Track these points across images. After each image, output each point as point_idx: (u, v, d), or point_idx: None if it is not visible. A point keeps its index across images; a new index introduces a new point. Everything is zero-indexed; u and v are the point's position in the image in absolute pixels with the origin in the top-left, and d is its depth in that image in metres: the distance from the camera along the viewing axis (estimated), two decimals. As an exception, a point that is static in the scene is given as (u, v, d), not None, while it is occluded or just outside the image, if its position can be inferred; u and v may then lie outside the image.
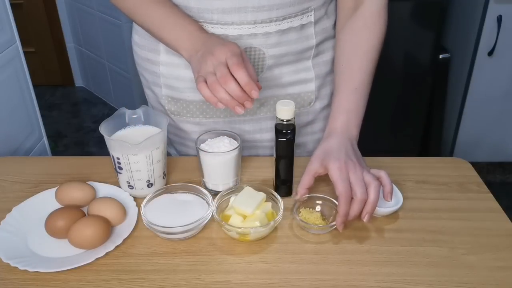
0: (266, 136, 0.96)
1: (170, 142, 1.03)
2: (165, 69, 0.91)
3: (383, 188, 0.76)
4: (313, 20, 0.88)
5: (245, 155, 0.97)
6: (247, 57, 0.76)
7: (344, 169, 0.75)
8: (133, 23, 0.95)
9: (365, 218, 0.74)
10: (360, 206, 0.73)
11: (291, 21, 0.85)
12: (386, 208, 0.78)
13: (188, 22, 0.81)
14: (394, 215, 0.79)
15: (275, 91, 0.92)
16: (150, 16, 0.83)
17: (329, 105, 0.98)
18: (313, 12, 0.87)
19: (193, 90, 0.91)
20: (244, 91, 0.71)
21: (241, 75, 0.70)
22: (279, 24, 0.84)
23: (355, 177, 0.74)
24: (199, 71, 0.75)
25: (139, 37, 0.94)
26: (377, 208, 0.77)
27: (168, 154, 1.05)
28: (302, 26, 0.87)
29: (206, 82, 0.72)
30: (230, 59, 0.71)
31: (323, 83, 0.95)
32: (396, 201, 0.79)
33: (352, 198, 0.73)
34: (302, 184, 0.78)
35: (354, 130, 0.83)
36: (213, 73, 0.72)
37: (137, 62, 0.98)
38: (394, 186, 0.82)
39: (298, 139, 0.98)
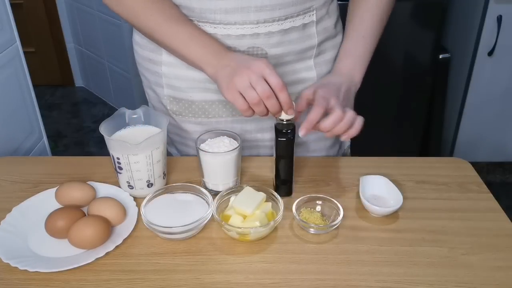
0: (267, 136, 0.96)
1: (171, 142, 1.03)
2: (167, 69, 0.91)
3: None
4: (315, 20, 0.88)
5: (246, 154, 0.97)
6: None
7: (329, 94, 0.78)
8: None
9: (330, 134, 0.76)
10: (334, 121, 0.75)
11: (293, 21, 0.85)
12: (386, 208, 0.78)
13: (212, 40, 0.81)
14: (394, 215, 0.79)
15: None
16: (171, 35, 0.82)
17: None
18: (315, 12, 0.87)
19: (195, 90, 0.91)
20: (280, 107, 0.75)
21: (284, 97, 0.74)
22: (281, 24, 0.84)
23: (335, 102, 0.77)
24: (233, 84, 0.75)
25: (140, 37, 0.94)
26: (377, 207, 0.78)
27: (169, 154, 1.05)
28: (304, 26, 0.87)
29: (240, 93, 0.74)
30: (270, 76, 0.73)
31: None
32: (396, 201, 0.79)
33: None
34: (295, 108, 0.79)
35: (357, 75, 0.87)
36: (250, 86, 0.74)
37: (138, 61, 0.98)
38: (394, 186, 0.82)
39: (299, 139, 0.98)
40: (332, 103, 0.77)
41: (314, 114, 0.76)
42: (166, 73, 0.92)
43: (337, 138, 0.80)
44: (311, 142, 1.00)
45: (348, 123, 0.75)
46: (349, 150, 1.09)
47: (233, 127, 0.94)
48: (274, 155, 0.80)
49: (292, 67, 0.91)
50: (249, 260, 0.71)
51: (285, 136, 0.78)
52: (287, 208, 0.77)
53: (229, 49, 0.83)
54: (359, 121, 0.77)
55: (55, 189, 0.81)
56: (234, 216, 0.74)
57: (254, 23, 0.83)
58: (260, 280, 0.68)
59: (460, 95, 2.15)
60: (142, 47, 0.94)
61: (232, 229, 0.72)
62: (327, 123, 0.75)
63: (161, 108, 0.98)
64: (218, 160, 0.81)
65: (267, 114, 0.76)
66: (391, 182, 0.83)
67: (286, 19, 0.84)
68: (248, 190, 0.77)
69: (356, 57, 0.88)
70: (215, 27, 0.83)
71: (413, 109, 2.24)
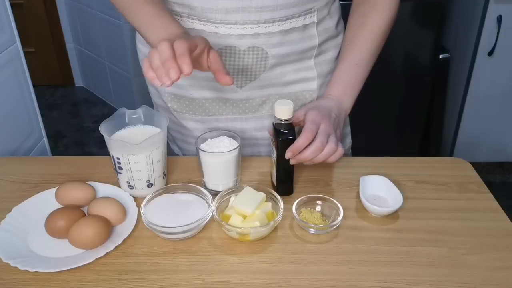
0: (267, 134, 0.97)
1: (172, 139, 1.04)
2: None
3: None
4: (315, 21, 0.88)
5: (247, 153, 0.97)
6: (214, 50, 0.73)
7: (320, 118, 0.79)
8: None
9: (309, 162, 0.77)
10: (314, 152, 0.76)
11: (294, 21, 0.85)
12: (386, 208, 0.78)
13: (173, 25, 0.78)
14: (394, 215, 0.79)
15: (276, 89, 0.92)
16: (138, 15, 0.81)
17: None
18: (316, 13, 0.87)
19: (195, 87, 0.92)
20: (176, 63, 0.65)
21: (178, 46, 0.66)
22: (282, 24, 0.84)
23: (324, 128, 0.78)
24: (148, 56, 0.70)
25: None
26: (377, 208, 0.78)
27: (171, 151, 1.05)
28: (305, 26, 0.87)
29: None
30: (177, 40, 0.67)
31: (325, 81, 0.96)
32: (396, 201, 0.79)
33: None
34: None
35: (347, 102, 0.88)
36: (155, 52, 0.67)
37: (140, 59, 0.99)
38: (394, 186, 0.82)
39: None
40: (321, 128, 0.78)
41: (302, 140, 0.76)
42: None
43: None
44: None
45: (326, 155, 0.77)
46: (350, 151, 1.09)
47: (233, 125, 0.95)
48: (274, 155, 0.80)
49: (293, 66, 0.91)
50: (249, 260, 0.71)
51: (284, 136, 0.78)
52: (287, 208, 0.77)
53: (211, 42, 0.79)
54: (339, 152, 0.79)
55: (55, 189, 0.81)
56: (234, 216, 0.74)
57: (255, 23, 0.83)
58: (260, 280, 0.68)
59: (460, 95, 2.15)
60: (144, 44, 0.95)
61: (232, 229, 0.72)
62: (306, 154, 0.76)
63: (162, 104, 0.98)
64: (218, 160, 0.81)
65: (164, 74, 0.66)
66: (391, 182, 0.83)
67: (287, 19, 0.84)
68: (248, 190, 0.77)
69: (348, 84, 0.88)
70: (216, 26, 0.83)
71: (413, 109, 2.24)
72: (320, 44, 0.91)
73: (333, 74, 0.91)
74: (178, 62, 0.65)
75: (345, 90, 0.88)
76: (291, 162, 0.78)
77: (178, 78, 0.65)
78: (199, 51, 0.71)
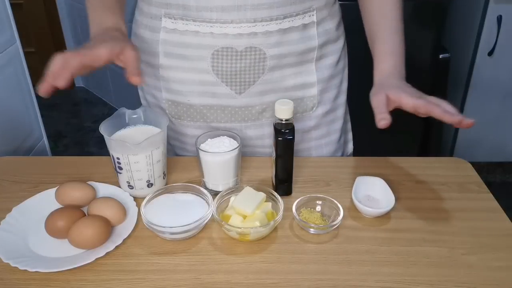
0: (268, 142, 0.96)
1: (171, 148, 1.03)
2: (164, 72, 0.91)
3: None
4: (315, 20, 0.87)
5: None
6: (134, 59, 0.77)
7: (416, 95, 0.79)
8: (133, 25, 0.95)
9: (467, 120, 0.75)
10: (448, 104, 0.76)
11: (292, 20, 0.85)
12: (377, 209, 0.78)
13: (108, 20, 0.84)
14: (394, 215, 0.79)
15: (276, 95, 0.91)
16: (88, 7, 0.88)
17: (331, 110, 0.98)
18: (315, 12, 0.87)
19: (194, 93, 0.91)
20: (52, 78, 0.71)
21: (55, 61, 0.71)
22: (280, 23, 0.84)
23: (426, 96, 0.78)
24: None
25: (136, 39, 0.93)
26: (368, 208, 0.77)
27: (171, 151, 1.05)
28: (305, 26, 0.87)
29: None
30: (71, 52, 0.73)
31: (326, 87, 0.95)
32: (387, 203, 0.79)
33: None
34: (381, 111, 0.78)
35: (403, 71, 0.87)
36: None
37: None
38: (388, 187, 0.82)
39: (302, 145, 0.98)
40: (424, 97, 0.78)
41: (445, 106, 0.76)
42: (164, 76, 0.91)
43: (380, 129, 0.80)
44: (315, 148, 1.00)
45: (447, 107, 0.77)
46: (352, 156, 1.08)
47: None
48: (274, 155, 0.80)
49: (293, 70, 0.90)
50: (249, 260, 0.71)
51: (284, 135, 0.78)
52: (287, 208, 0.77)
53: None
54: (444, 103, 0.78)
55: (55, 189, 0.81)
56: (234, 216, 0.74)
57: (251, 21, 0.82)
58: (260, 280, 0.68)
59: (460, 95, 2.15)
60: (140, 50, 0.94)
61: (232, 229, 0.72)
62: (449, 107, 0.76)
63: (160, 112, 0.97)
64: (218, 160, 0.81)
65: (45, 83, 0.72)
66: (385, 184, 0.83)
67: (284, 18, 0.84)
68: (248, 190, 0.77)
69: (396, 54, 0.87)
70: (211, 26, 0.83)
71: (413, 109, 2.24)
72: (320, 47, 0.90)
73: (375, 49, 0.89)
74: (60, 73, 0.71)
75: (395, 61, 0.86)
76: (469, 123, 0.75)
77: (49, 92, 0.72)
78: (114, 53, 0.77)
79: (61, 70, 0.70)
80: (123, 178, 0.82)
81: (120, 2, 0.88)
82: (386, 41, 0.87)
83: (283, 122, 0.78)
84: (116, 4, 0.87)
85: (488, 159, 2.30)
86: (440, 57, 2.15)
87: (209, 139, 0.85)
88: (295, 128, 0.79)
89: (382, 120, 0.76)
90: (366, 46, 0.91)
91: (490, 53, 2.01)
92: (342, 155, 1.05)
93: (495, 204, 0.83)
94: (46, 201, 0.81)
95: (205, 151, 0.81)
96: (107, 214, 0.75)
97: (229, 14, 0.81)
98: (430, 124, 2.30)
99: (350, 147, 1.08)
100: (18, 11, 2.29)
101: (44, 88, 0.71)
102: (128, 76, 0.76)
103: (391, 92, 0.79)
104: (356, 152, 1.08)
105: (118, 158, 0.80)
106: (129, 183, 0.82)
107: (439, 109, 0.74)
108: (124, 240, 0.74)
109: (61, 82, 0.70)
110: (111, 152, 0.80)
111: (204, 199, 0.79)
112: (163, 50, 0.89)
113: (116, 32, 0.82)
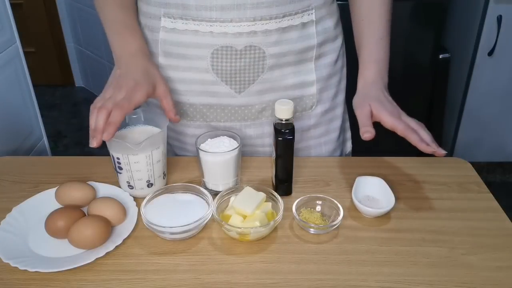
0: (268, 141, 0.96)
1: (170, 149, 1.03)
2: (164, 72, 0.91)
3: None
4: (314, 19, 0.87)
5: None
6: (167, 94, 0.82)
7: (396, 113, 0.81)
8: None
9: (440, 151, 0.76)
10: (424, 131, 0.78)
11: (291, 19, 0.85)
12: (377, 209, 0.78)
13: (132, 39, 0.85)
14: (394, 215, 0.79)
15: (276, 94, 0.91)
16: (107, 17, 0.87)
17: (330, 109, 0.98)
18: (314, 11, 0.87)
19: (193, 93, 0.91)
20: (101, 134, 0.74)
21: (114, 114, 0.74)
22: (279, 22, 0.84)
23: (405, 116, 0.81)
24: (105, 91, 0.79)
25: None
26: (368, 208, 0.77)
27: (171, 151, 1.05)
28: (304, 25, 0.87)
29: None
30: (122, 97, 0.76)
31: (325, 86, 0.95)
32: (387, 203, 0.79)
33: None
34: (365, 124, 0.79)
35: (386, 78, 0.89)
36: (107, 99, 0.76)
37: None
38: (388, 187, 0.82)
39: (301, 144, 0.98)
40: (403, 118, 0.80)
41: (422, 133, 0.77)
42: (163, 75, 0.91)
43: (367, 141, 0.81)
44: (314, 147, 1.00)
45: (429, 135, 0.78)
46: (350, 154, 1.09)
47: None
48: (274, 155, 0.80)
49: (292, 69, 0.90)
50: (249, 260, 0.71)
51: (284, 135, 0.78)
52: (287, 208, 0.77)
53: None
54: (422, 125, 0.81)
55: (55, 189, 0.81)
56: (234, 216, 0.74)
57: (251, 20, 0.82)
58: (260, 280, 0.68)
59: (460, 95, 2.15)
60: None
61: (232, 229, 0.72)
62: (425, 134, 0.78)
63: (160, 113, 0.97)
64: (218, 160, 0.81)
65: (93, 137, 0.75)
66: (385, 184, 0.83)
67: (283, 17, 0.84)
68: (248, 190, 0.77)
69: (380, 61, 0.89)
70: (211, 25, 0.83)
71: (413, 109, 2.23)
72: (319, 45, 0.90)
73: (361, 55, 0.90)
74: (104, 128, 0.73)
75: (380, 68, 0.88)
76: (440, 153, 0.77)
77: (98, 145, 0.74)
78: (149, 95, 0.80)
79: (106, 126, 0.73)
80: (123, 178, 0.82)
81: (135, 12, 0.90)
82: (371, 48, 0.89)
83: (283, 122, 0.78)
84: (133, 20, 0.88)
85: (488, 159, 2.30)
86: (440, 57, 2.15)
87: (209, 139, 0.85)
88: (294, 127, 0.79)
89: (366, 132, 0.78)
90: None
91: (490, 53, 2.01)
92: (341, 154, 1.05)
93: (495, 204, 0.83)
94: (46, 201, 0.81)
95: (205, 151, 0.81)
96: (107, 214, 0.75)
97: (229, 13, 0.82)
98: (430, 124, 2.30)
99: (348, 145, 1.08)
100: (18, 11, 2.30)
101: (98, 142, 0.73)
102: (167, 116, 0.82)
103: (373, 106, 0.81)
104: (355, 151, 1.08)
105: (118, 158, 0.80)
106: (129, 183, 0.82)
107: (415, 136, 0.76)
108: (124, 240, 0.74)
109: (108, 137, 0.73)
110: (111, 152, 0.80)
111: (204, 199, 0.79)
112: (163, 50, 0.89)
113: (143, 60, 0.84)
